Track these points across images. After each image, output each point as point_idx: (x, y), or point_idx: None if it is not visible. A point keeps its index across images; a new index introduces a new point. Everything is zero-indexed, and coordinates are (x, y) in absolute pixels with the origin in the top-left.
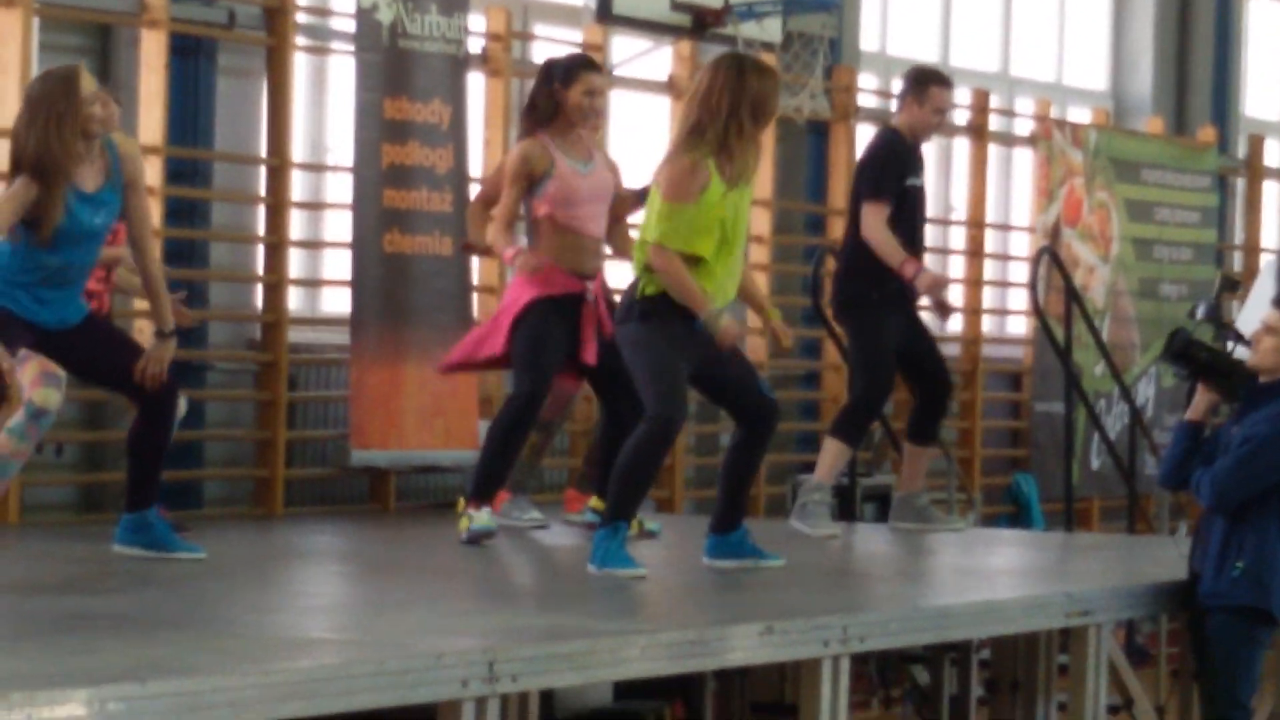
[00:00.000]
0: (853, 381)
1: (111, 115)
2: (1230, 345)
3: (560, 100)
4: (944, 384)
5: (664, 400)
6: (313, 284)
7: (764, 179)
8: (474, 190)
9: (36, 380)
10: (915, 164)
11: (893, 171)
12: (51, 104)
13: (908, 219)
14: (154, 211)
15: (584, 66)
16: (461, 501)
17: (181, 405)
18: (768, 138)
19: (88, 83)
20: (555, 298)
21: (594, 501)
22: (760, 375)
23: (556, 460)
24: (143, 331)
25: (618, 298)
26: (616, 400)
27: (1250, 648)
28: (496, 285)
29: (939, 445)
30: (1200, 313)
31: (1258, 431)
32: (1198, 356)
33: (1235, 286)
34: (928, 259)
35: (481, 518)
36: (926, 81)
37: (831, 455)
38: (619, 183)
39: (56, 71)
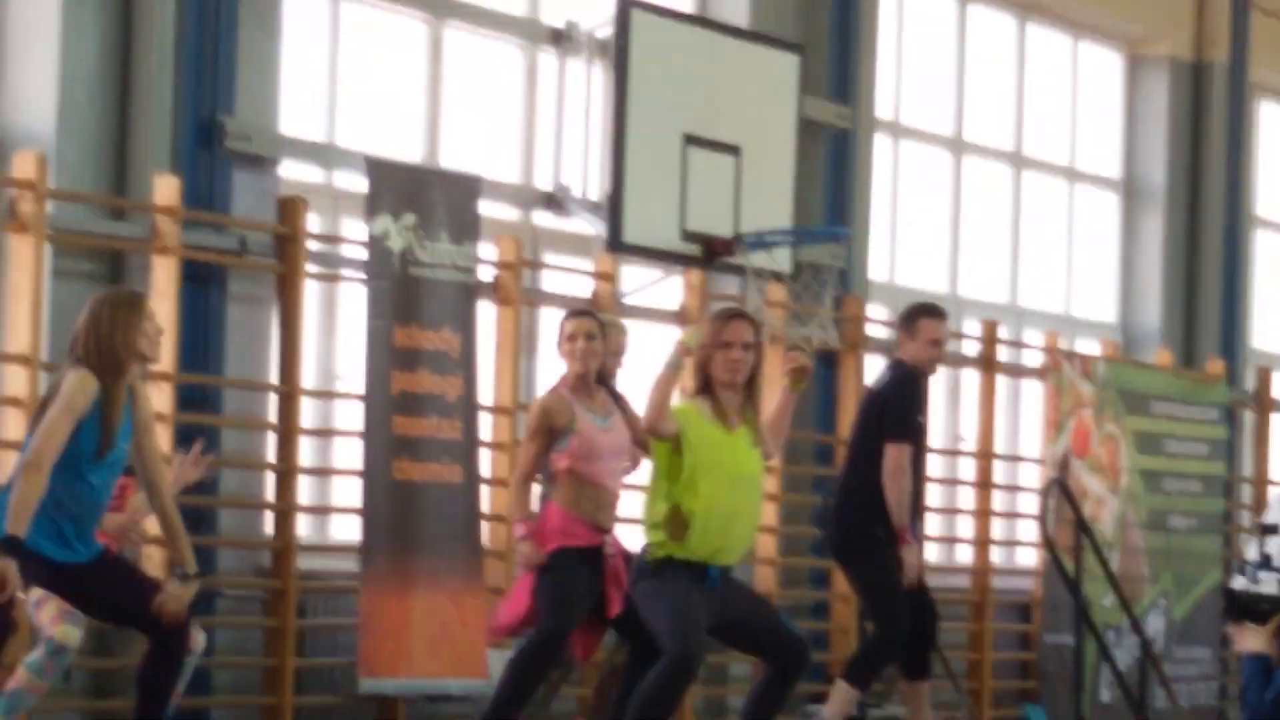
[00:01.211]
0: (873, 622)
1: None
2: None
3: (562, 355)
4: (931, 614)
5: (682, 637)
6: (322, 511)
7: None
8: (484, 419)
9: (57, 617)
10: (924, 401)
11: (914, 410)
12: (117, 309)
13: (916, 457)
14: (164, 438)
15: (568, 315)
16: None
17: (200, 639)
18: (776, 366)
19: (150, 306)
20: (577, 549)
21: None
22: (781, 613)
23: (566, 690)
24: (151, 558)
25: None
26: (642, 642)
27: None
28: (506, 514)
29: (939, 677)
30: (1250, 571)
31: None
32: (1259, 609)
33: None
34: (935, 490)
35: None
36: (915, 316)
37: (841, 696)
38: (631, 413)
39: (124, 289)
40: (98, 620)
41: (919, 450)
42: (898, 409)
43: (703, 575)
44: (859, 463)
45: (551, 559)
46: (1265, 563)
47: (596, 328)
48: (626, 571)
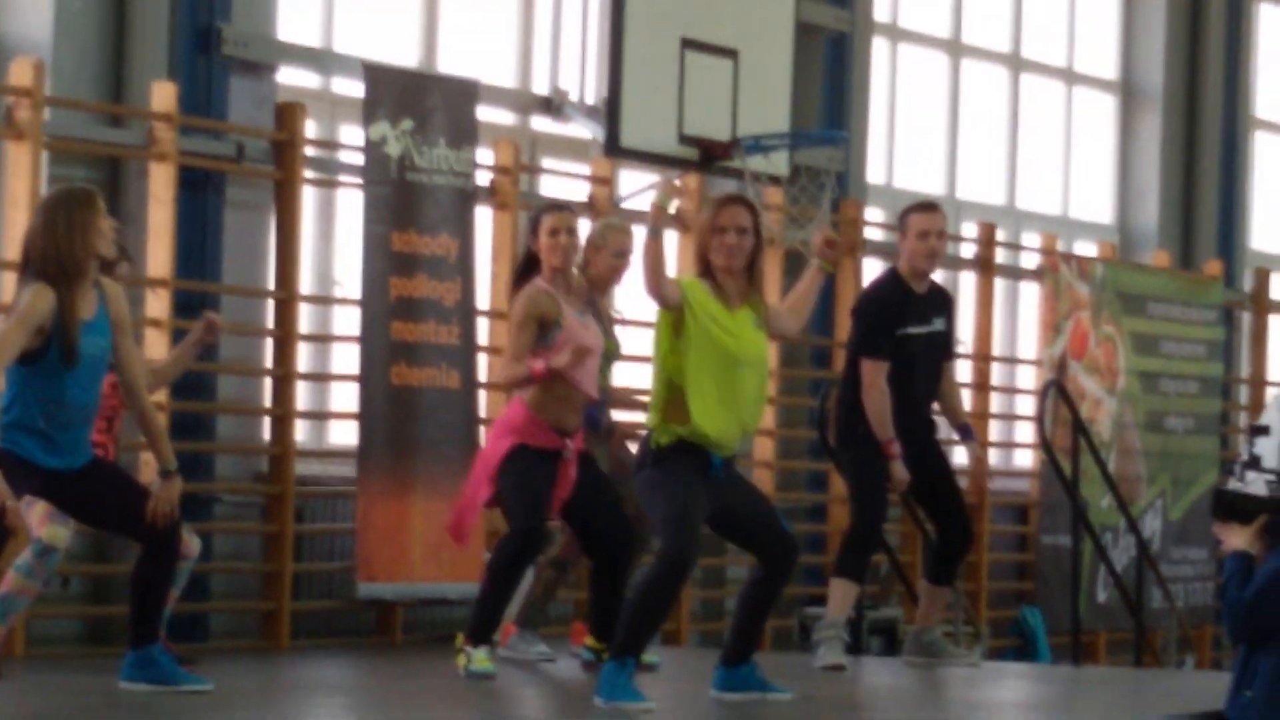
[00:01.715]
0: (851, 512)
1: (112, 241)
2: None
3: (535, 250)
4: (963, 530)
5: (679, 537)
6: (320, 417)
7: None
8: (481, 324)
9: (44, 518)
10: (912, 310)
11: (885, 324)
12: (71, 211)
13: (903, 369)
14: (161, 343)
15: (547, 209)
16: (460, 637)
17: (196, 544)
18: (775, 270)
19: (101, 203)
20: (535, 449)
21: (590, 640)
22: (778, 511)
23: (564, 593)
24: (149, 464)
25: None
26: (592, 541)
27: None
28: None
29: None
30: (1238, 471)
31: (1273, 565)
32: (1246, 508)
33: (1264, 431)
34: None
35: (480, 658)
36: (905, 214)
37: (839, 593)
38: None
39: (74, 188)
40: (89, 527)
41: (913, 362)
42: (863, 324)
43: (706, 464)
44: (849, 366)
45: (509, 456)
46: (1254, 463)
47: (576, 222)
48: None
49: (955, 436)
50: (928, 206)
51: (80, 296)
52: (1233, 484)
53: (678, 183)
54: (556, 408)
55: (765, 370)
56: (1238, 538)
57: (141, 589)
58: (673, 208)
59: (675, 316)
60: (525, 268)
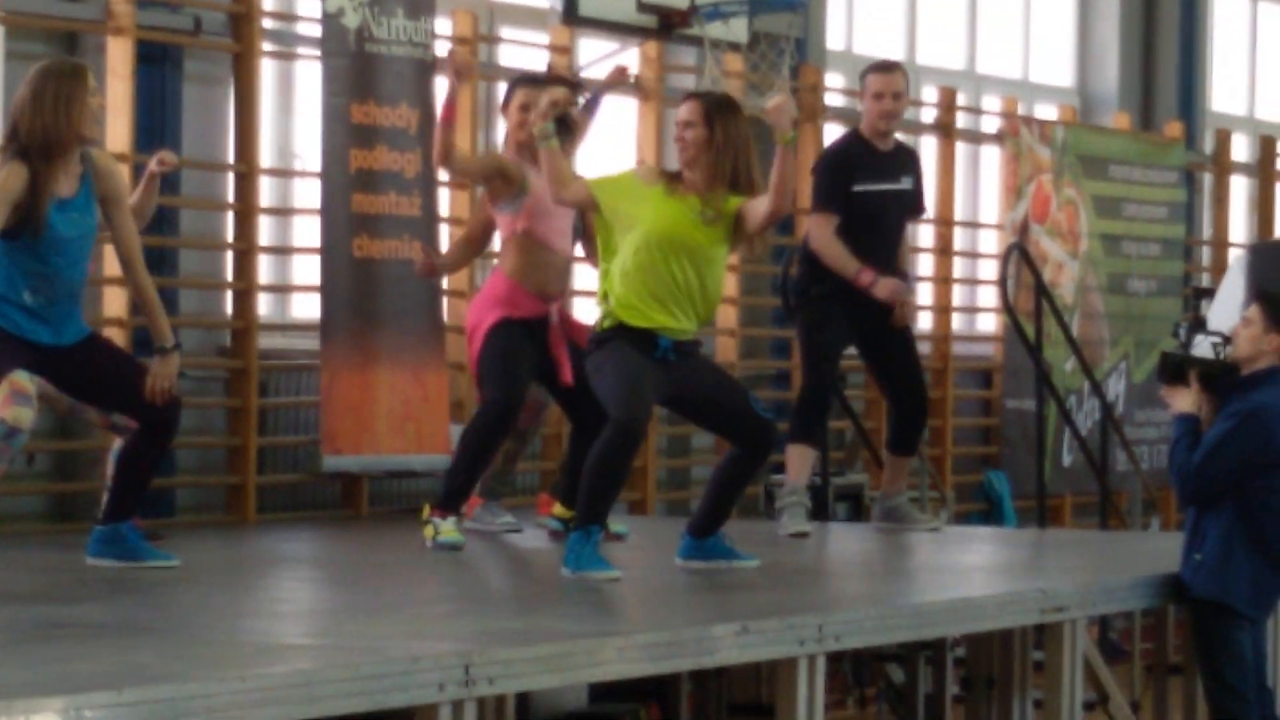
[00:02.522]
0: (802, 373)
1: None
2: (1218, 349)
3: (504, 120)
4: (919, 403)
5: (625, 402)
6: (282, 290)
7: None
8: (442, 195)
9: (7, 399)
10: (870, 167)
11: (838, 178)
12: (59, 85)
13: (864, 226)
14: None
15: (517, 83)
16: (426, 508)
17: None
18: None
19: (92, 77)
20: (520, 320)
21: (558, 509)
22: (749, 392)
23: (529, 464)
24: (112, 339)
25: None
26: (583, 412)
27: (1225, 637)
28: (466, 289)
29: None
30: (1183, 332)
31: (1220, 428)
32: (1192, 371)
33: (1208, 294)
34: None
35: (447, 528)
36: (865, 73)
37: (796, 458)
38: None
39: (65, 61)
40: (84, 402)
41: (873, 220)
42: (816, 178)
43: (652, 346)
44: (809, 228)
45: (493, 329)
46: (1199, 325)
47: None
48: (576, 337)
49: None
50: (885, 66)
51: (59, 173)
52: (1178, 346)
53: (556, 98)
54: (537, 274)
55: (708, 260)
56: (1184, 400)
57: (129, 467)
58: (551, 126)
59: (596, 216)
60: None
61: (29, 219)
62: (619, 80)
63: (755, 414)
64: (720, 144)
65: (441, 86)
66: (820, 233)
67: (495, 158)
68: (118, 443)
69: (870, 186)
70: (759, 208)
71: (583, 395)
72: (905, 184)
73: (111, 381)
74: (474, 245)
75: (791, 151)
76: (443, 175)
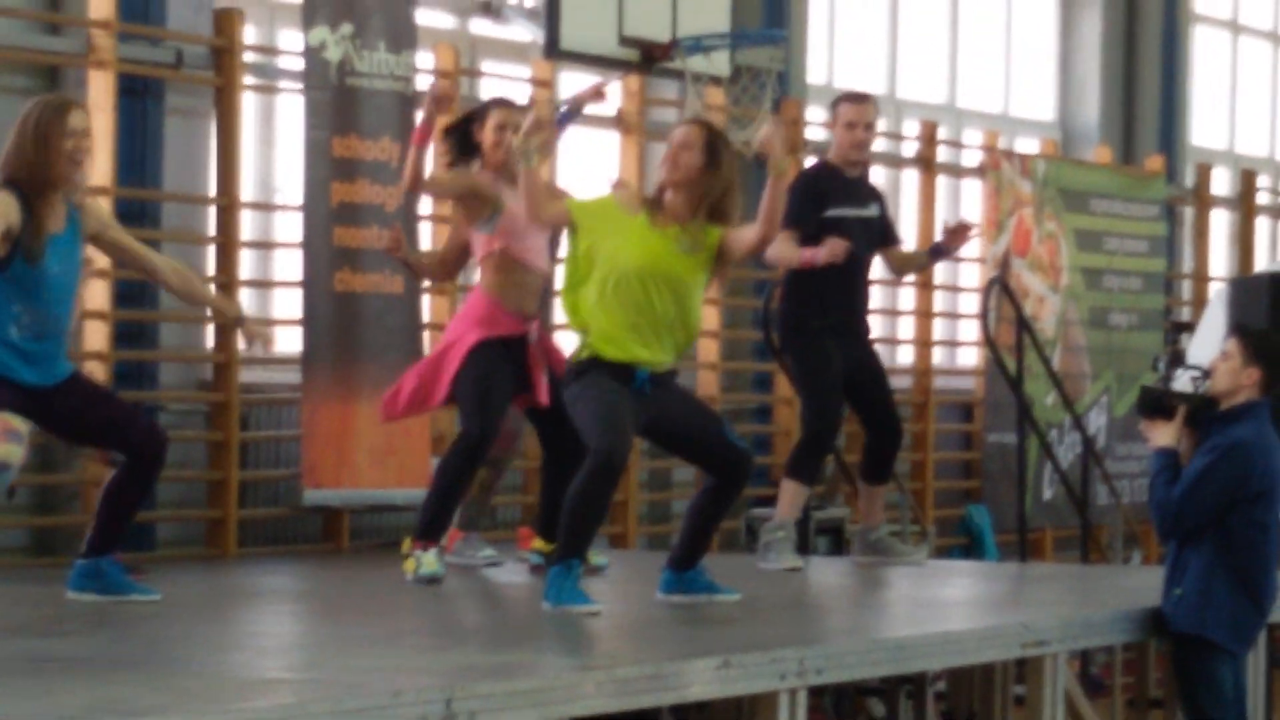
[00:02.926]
0: (802, 415)
1: (89, 156)
2: (1197, 383)
3: (478, 139)
4: (893, 430)
5: (605, 435)
6: (264, 324)
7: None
8: (424, 228)
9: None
10: (841, 193)
11: (808, 201)
12: (40, 122)
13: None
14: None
15: (495, 103)
16: (407, 541)
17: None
18: None
19: (79, 117)
20: (500, 339)
21: (538, 543)
22: (725, 422)
23: (510, 497)
24: (93, 373)
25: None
26: (558, 441)
27: (1206, 671)
28: (447, 323)
29: (893, 479)
30: (1162, 366)
31: (1200, 463)
32: (1172, 405)
33: (1188, 328)
34: (876, 291)
35: (428, 560)
36: (836, 103)
37: (790, 495)
38: None
39: (51, 98)
40: (71, 442)
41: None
42: (788, 201)
43: (629, 377)
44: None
45: (472, 352)
46: (1178, 359)
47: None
48: (555, 363)
49: (931, 253)
50: (856, 97)
51: (47, 207)
52: (1158, 380)
53: (540, 118)
54: (515, 293)
55: (688, 290)
56: (1163, 435)
57: (113, 501)
58: (534, 144)
59: (570, 236)
60: (461, 148)
61: (25, 248)
62: (595, 97)
63: (731, 443)
64: (712, 175)
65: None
66: (777, 244)
67: (468, 177)
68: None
69: (843, 212)
70: (746, 235)
71: (558, 424)
72: (873, 211)
73: (96, 420)
74: (446, 266)
75: (784, 180)
76: (424, 208)
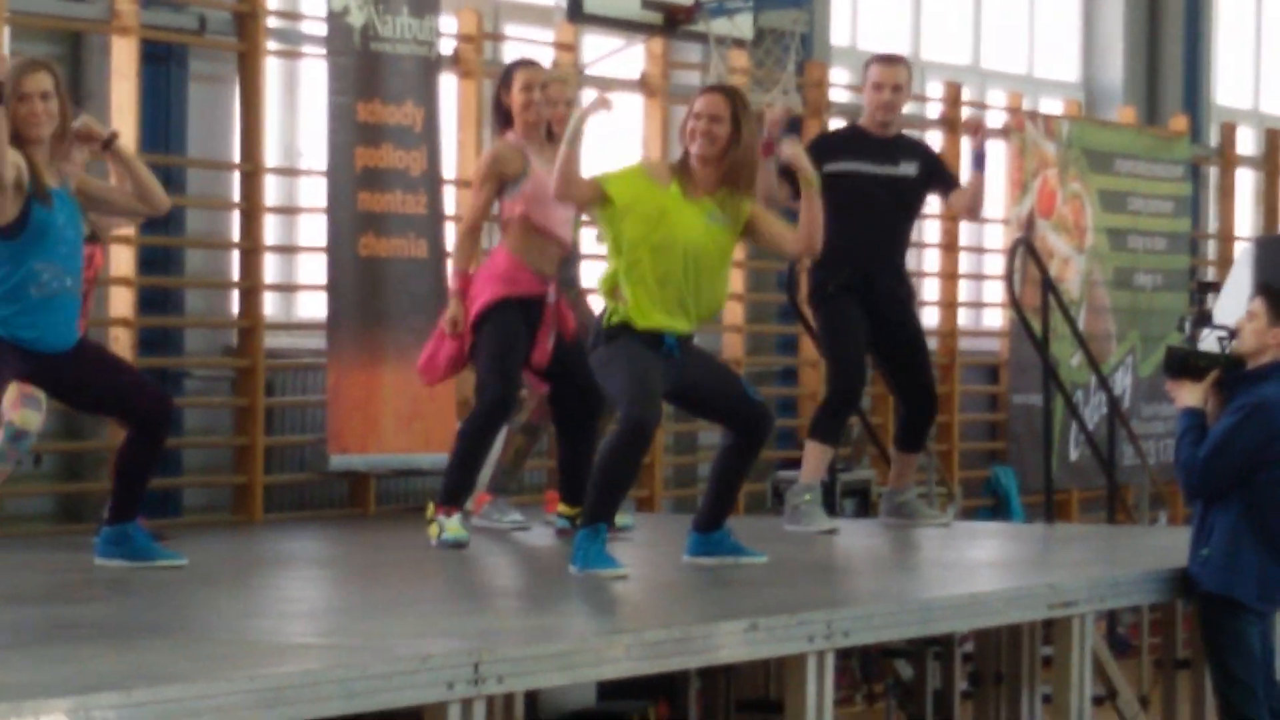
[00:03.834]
0: (826, 376)
1: (50, 119)
2: (1224, 343)
3: (507, 104)
4: (928, 399)
5: (635, 402)
6: (288, 289)
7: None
8: (448, 192)
9: (16, 401)
10: (860, 151)
11: (816, 154)
12: (12, 80)
13: (855, 206)
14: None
15: (518, 65)
16: (431, 506)
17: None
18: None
19: (36, 80)
20: (519, 297)
21: (563, 507)
22: (744, 380)
23: (536, 461)
24: (118, 340)
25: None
26: (565, 401)
27: (1233, 631)
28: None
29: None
30: (1189, 326)
31: (1226, 422)
32: (1198, 365)
33: (1214, 288)
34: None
35: (452, 525)
36: (867, 65)
37: (815, 456)
38: None
39: (19, 60)
40: (79, 410)
41: (854, 200)
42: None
43: (658, 342)
44: None
45: (491, 309)
46: (1204, 319)
47: (544, 78)
48: (564, 327)
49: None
50: (888, 59)
51: (38, 163)
52: (1184, 341)
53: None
54: (536, 255)
55: (716, 262)
56: (1190, 395)
57: (126, 468)
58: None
59: (602, 211)
60: (502, 120)
61: (36, 195)
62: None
63: (751, 399)
64: (740, 145)
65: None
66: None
67: (488, 168)
68: None
69: (848, 166)
70: (786, 239)
71: (564, 383)
72: (906, 170)
73: (106, 388)
74: (477, 233)
75: (817, 194)
76: (448, 173)
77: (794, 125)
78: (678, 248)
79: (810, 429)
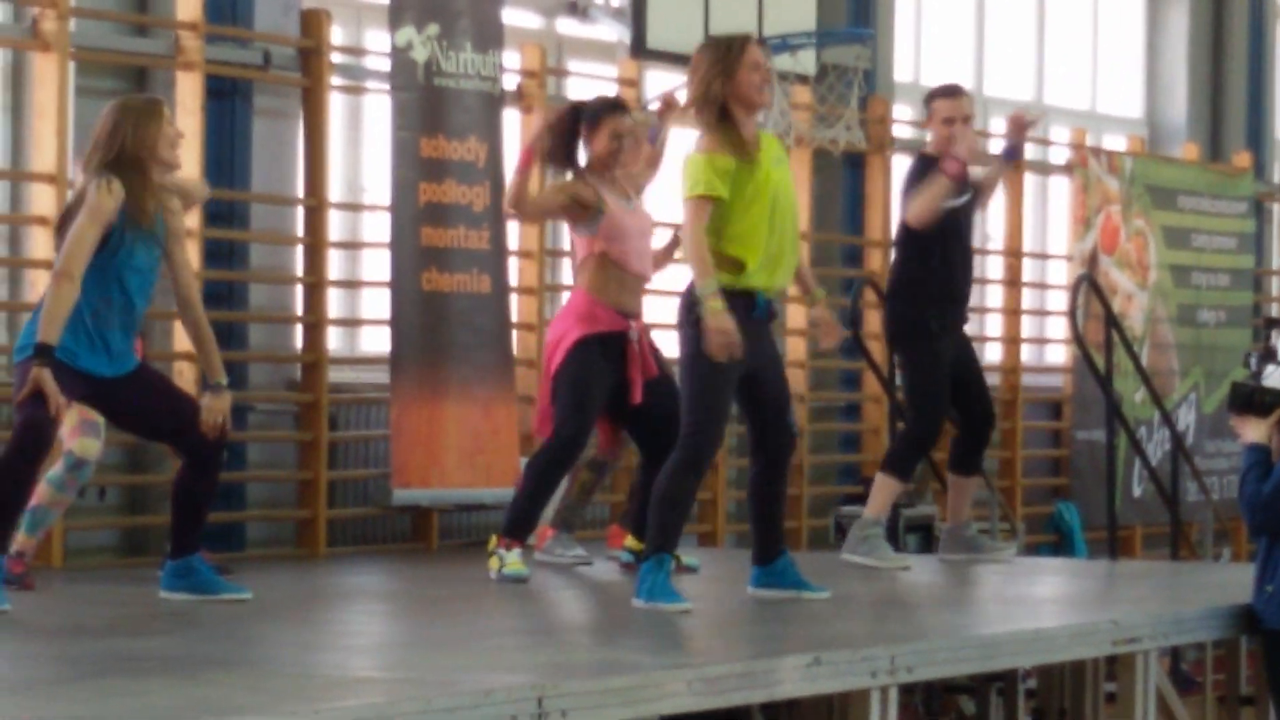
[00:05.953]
0: (907, 412)
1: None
2: None
3: (590, 145)
4: (986, 415)
5: (699, 429)
6: (352, 323)
7: (800, 211)
8: (511, 228)
9: (75, 430)
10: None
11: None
12: (138, 114)
13: (953, 239)
14: (193, 254)
15: (608, 109)
16: (494, 539)
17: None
18: (803, 169)
19: (167, 110)
20: (601, 335)
21: (630, 541)
22: (791, 406)
23: (599, 496)
24: (182, 374)
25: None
26: (653, 441)
27: None
28: (536, 323)
29: (982, 475)
30: (1254, 362)
31: None
32: (1263, 401)
33: (1279, 323)
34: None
35: (513, 560)
36: (930, 99)
37: (886, 490)
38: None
39: (140, 96)
40: (133, 435)
41: (949, 235)
42: (905, 193)
43: (752, 304)
44: (900, 256)
45: (574, 349)
46: (1271, 355)
47: (630, 125)
48: (654, 353)
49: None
50: (950, 91)
51: (145, 193)
52: (1249, 377)
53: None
54: (615, 290)
55: (794, 200)
56: (1255, 430)
57: (184, 500)
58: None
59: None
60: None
61: (130, 221)
62: (669, 108)
63: (785, 424)
64: None
65: (513, 122)
66: (916, 204)
67: (567, 187)
68: None
69: (955, 202)
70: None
71: (654, 425)
72: (968, 197)
73: (163, 414)
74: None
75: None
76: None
77: (856, 161)
78: (768, 203)
79: (885, 462)
